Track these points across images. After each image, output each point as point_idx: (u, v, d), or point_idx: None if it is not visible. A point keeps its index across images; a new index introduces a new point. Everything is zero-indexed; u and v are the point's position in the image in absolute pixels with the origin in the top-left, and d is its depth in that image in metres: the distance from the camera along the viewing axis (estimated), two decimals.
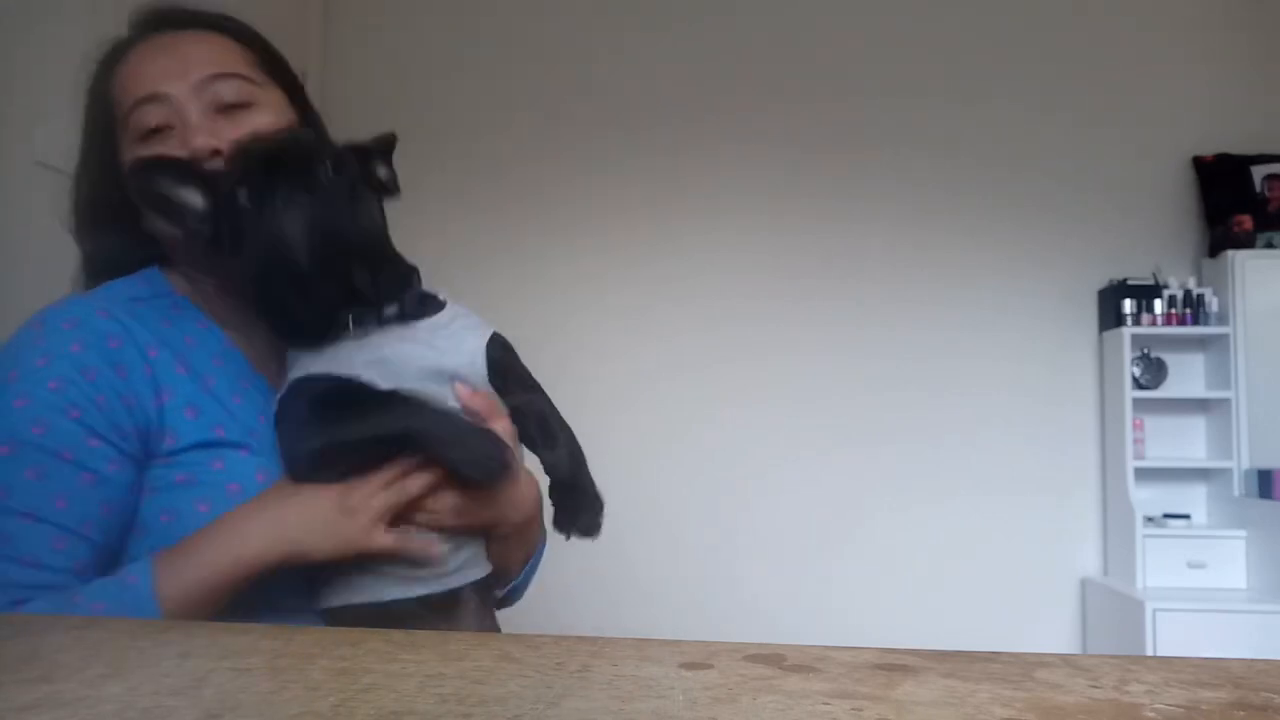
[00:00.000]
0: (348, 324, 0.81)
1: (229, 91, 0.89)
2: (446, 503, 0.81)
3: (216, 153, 0.85)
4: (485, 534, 0.87)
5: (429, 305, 0.86)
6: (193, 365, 0.85)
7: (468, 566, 0.85)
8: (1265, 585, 2.87)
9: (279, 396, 0.82)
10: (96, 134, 0.92)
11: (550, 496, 0.88)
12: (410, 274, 0.86)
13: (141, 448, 0.81)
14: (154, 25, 0.92)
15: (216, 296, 0.91)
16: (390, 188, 0.88)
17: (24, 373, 0.78)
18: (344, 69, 3.26)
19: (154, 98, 0.87)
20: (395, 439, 0.79)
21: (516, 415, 0.87)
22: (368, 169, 0.86)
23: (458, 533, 0.83)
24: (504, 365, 0.86)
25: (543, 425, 0.87)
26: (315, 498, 0.77)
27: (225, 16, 0.94)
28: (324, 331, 0.81)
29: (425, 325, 0.84)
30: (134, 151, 0.87)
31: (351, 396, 0.79)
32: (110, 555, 0.79)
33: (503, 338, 0.88)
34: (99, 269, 0.94)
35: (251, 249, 0.78)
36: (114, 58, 0.92)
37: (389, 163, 0.88)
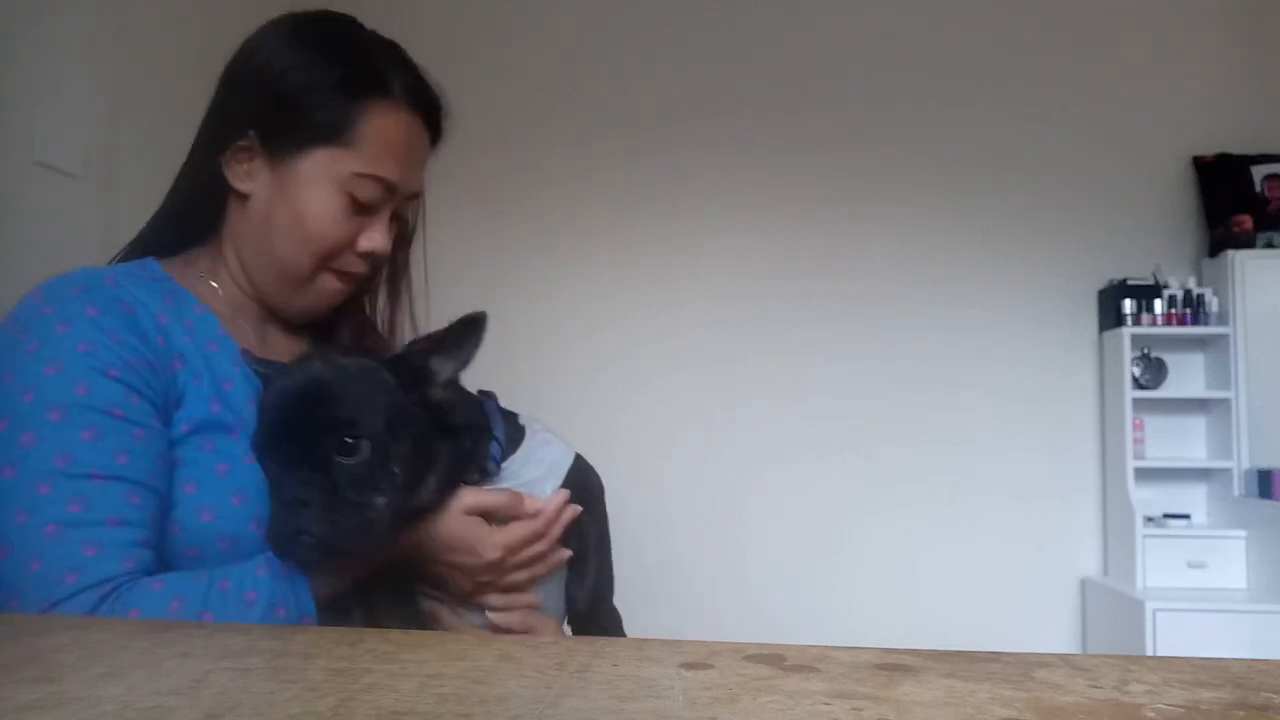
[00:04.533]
0: None
1: (409, 210, 0.95)
2: None
3: (367, 254, 0.90)
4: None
5: (505, 449, 0.85)
6: (194, 342, 0.85)
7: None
8: (1265, 585, 2.87)
9: None
10: (273, 112, 0.88)
11: (569, 624, 0.89)
12: (478, 444, 0.83)
13: (166, 413, 0.81)
14: (421, 101, 0.91)
15: (240, 291, 0.93)
16: (446, 404, 0.81)
17: (45, 340, 0.77)
18: None
19: (386, 184, 0.88)
20: None
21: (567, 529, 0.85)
22: (424, 388, 0.79)
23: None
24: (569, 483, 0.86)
25: (579, 552, 0.86)
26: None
27: (445, 116, 0.95)
28: None
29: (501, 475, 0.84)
30: (322, 192, 0.87)
31: None
32: (167, 506, 0.79)
33: (581, 468, 0.88)
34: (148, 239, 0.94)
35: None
36: (378, 87, 0.88)
37: (462, 355, 0.81)
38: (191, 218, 0.93)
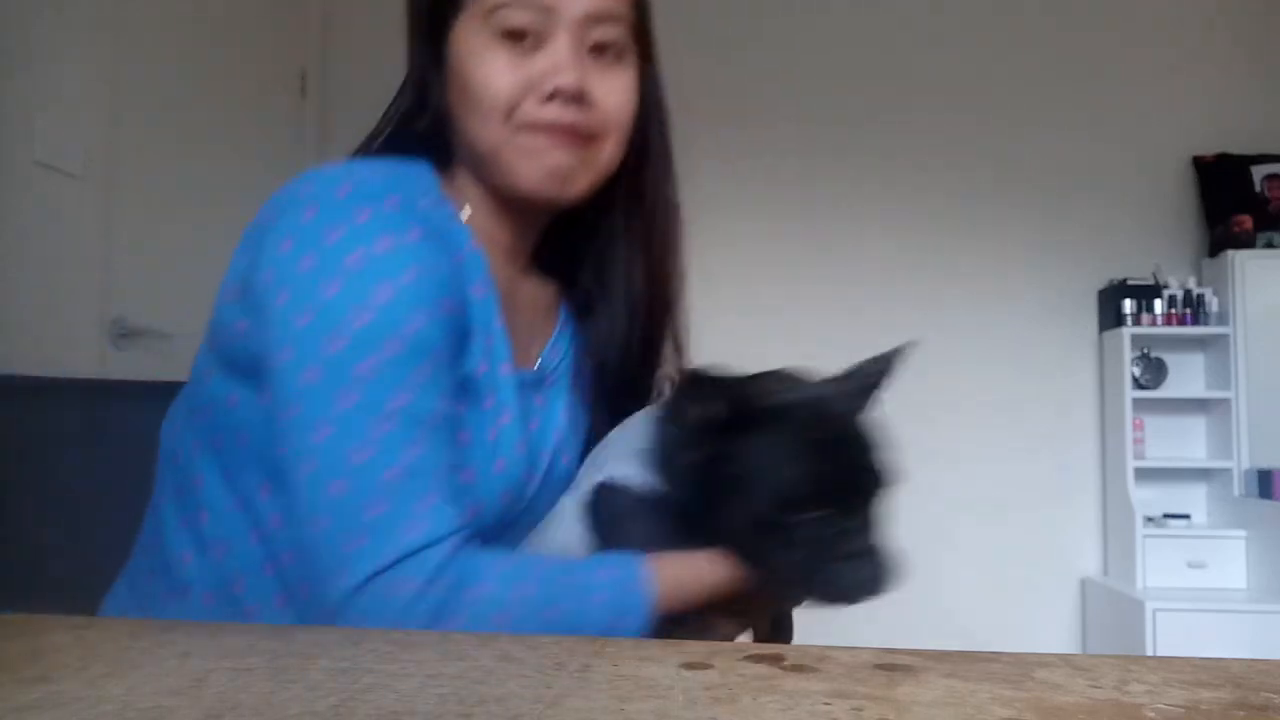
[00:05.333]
0: None
1: (608, 35, 0.80)
2: None
3: (577, 98, 0.77)
4: None
5: None
6: (471, 285, 0.76)
7: None
8: (1265, 585, 2.87)
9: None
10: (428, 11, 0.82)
11: None
12: None
13: (459, 359, 0.74)
14: None
15: (487, 218, 0.83)
16: None
17: (372, 258, 0.67)
18: (343, 68, 3.25)
19: (529, 4, 0.77)
20: None
21: None
22: None
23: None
24: None
25: None
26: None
27: None
28: None
29: None
30: (476, 47, 0.78)
31: None
32: None
33: None
34: (385, 135, 0.84)
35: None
36: None
37: None
38: (430, 154, 0.82)
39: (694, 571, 0.71)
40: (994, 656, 0.50)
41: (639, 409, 0.83)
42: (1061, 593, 3.20)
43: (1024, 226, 3.27)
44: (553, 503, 0.81)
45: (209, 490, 0.74)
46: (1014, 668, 0.48)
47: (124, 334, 2.05)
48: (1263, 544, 2.89)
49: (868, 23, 3.36)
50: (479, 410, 0.75)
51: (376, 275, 0.67)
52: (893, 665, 0.48)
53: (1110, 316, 3.14)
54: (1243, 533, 2.96)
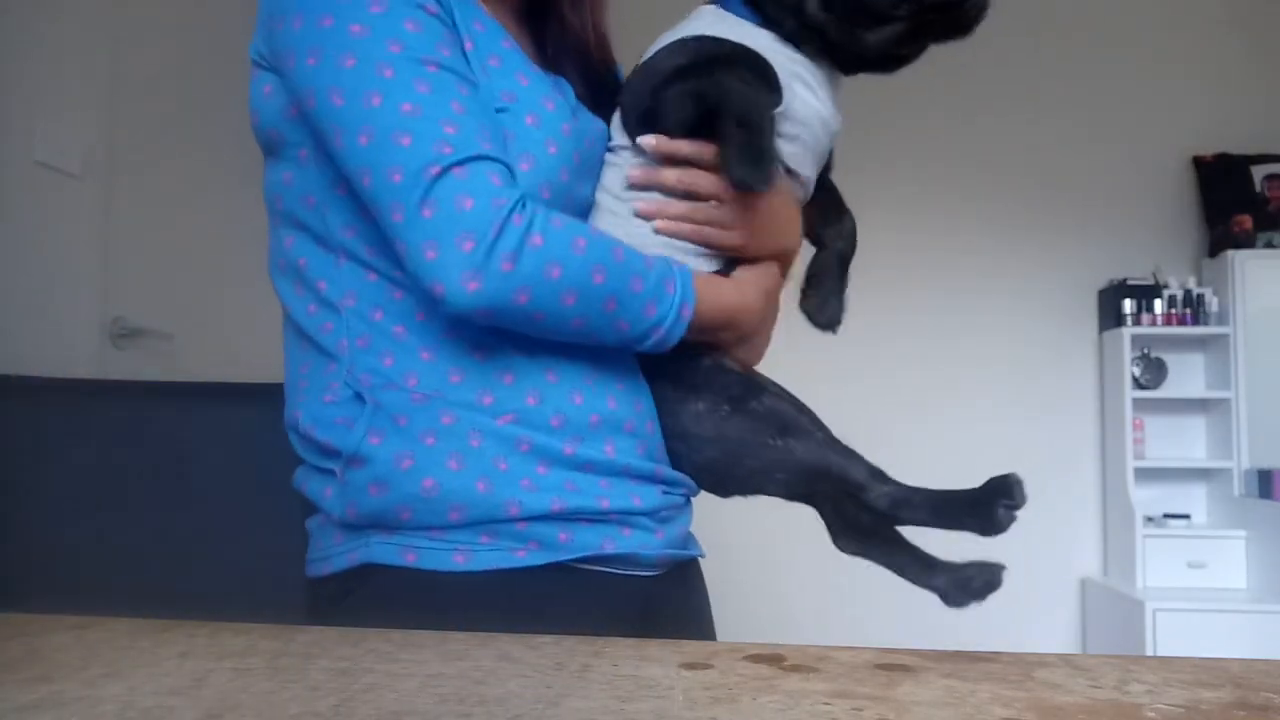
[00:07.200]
0: None
1: None
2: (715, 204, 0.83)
3: None
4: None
5: None
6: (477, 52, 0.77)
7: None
8: (1265, 585, 2.86)
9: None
10: None
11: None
12: None
13: None
14: None
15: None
16: None
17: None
18: None
19: None
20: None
21: None
22: None
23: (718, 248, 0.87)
24: None
25: None
26: (758, 289, 0.89)
27: None
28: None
29: None
30: None
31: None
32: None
33: None
34: None
35: None
36: None
37: None
38: None
39: (724, 288, 0.85)
40: (994, 656, 0.50)
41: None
42: (1061, 593, 3.20)
43: (1024, 226, 3.27)
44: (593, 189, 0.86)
45: (314, 264, 0.78)
46: (1014, 668, 0.48)
47: (124, 334, 2.05)
48: (1263, 544, 2.89)
49: None
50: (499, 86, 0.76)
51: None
52: (893, 665, 0.48)
53: (1110, 316, 3.14)
54: (1243, 533, 2.96)
